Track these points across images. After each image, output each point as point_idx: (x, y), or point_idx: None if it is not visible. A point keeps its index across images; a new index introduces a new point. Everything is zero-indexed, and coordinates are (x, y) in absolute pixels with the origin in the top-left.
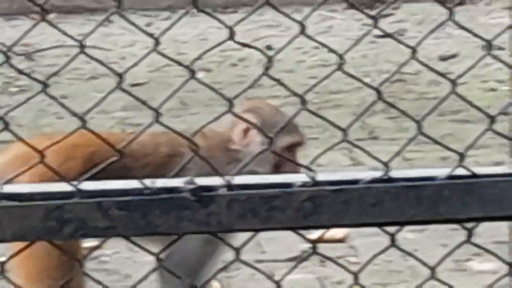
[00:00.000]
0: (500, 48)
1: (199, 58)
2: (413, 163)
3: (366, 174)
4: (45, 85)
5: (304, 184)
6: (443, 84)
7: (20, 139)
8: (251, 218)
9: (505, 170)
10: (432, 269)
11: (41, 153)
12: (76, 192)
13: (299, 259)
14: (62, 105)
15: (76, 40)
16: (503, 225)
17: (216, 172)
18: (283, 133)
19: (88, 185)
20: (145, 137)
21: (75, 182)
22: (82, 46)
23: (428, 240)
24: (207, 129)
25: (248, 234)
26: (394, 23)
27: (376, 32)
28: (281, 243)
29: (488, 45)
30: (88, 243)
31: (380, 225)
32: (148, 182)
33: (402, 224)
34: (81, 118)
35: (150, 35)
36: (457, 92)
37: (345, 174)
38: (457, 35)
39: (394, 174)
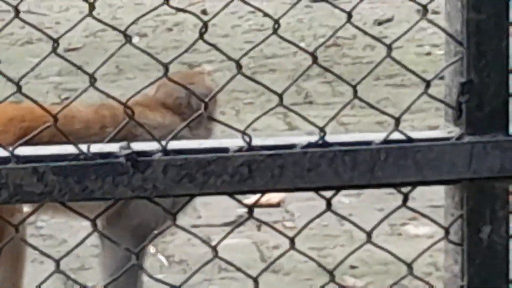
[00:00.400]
0: (435, 12)
1: (134, 22)
2: (349, 127)
3: (301, 139)
4: None
5: (239, 149)
6: (379, 48)
7: None
8: (187, 183)
9: (440, 134)
10: (368, 233)
11: None
12: (12, 157)
13: (235, 224)
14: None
15: (10, 5)
16: (439, 189)
17: (154, 138)
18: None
19: (24, 150)
20: (89, 115)
21: (10, 148)
22: (17, 11)
23: (364, 204)
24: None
25: (183, 199)
26: None
27: None
28: (217, 208)
29: (424, 9)
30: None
31: (316, 189)
32: (84, 147)
33: (338, 188)
34: (16, 84)
35: (86, 0)
36: (392, 56)
37: (280, 139)
38: None
39: (330, 138)
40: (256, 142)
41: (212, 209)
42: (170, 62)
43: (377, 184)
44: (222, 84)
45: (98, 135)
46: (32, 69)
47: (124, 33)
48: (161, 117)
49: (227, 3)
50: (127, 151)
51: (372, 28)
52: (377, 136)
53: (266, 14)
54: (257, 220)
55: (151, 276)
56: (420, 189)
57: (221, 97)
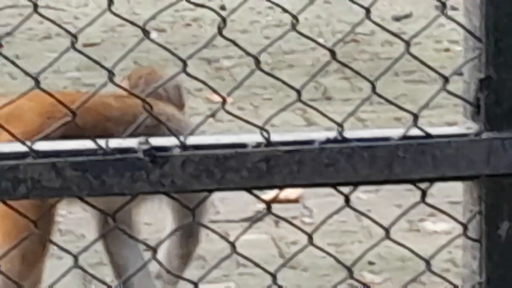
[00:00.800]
0: (454, 9)
1: (153, 18)
2: (367, 123)
3: (320, 134)
4: None
5: (258, 145)
6: (397, 44)
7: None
8: (205, 178)
9: (458, 130)
10: (386, 229)
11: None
12: (30, 152)
13: (253, 220)
14: (16, 65)
15: (29, 0)
16: (457, 185)
17: (173, 134)
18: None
19: (42, 145)
20: (122, 103)
21: (29, 142)
22: (35, 6)
23: (382, 200)
24: None
25: (201, 194)
26: None
27: None
28: (235, 203)
29: (442, 5)
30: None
31: (334, 185)
32: (102, 142)
33: (356, 184)
34: (35, 79)
35: None
36: (411, 52)
37: (299, 135)
38: None
39: (348, 134)
40: (274, 137)
41: (230, 204)
42: (189, 57)
43: (395, 180)
44: (240, 79)
45: (132, 122)
46: (51, 64)
47: (142, 28)
48: (170, 109)
49: None
50: (145, 147)
51: (391, 24)
52: (396, 132)
53: (284, 10)
54: (275, 216)
55: (169, 271)
56: (438, 185)
57: (239, 92)
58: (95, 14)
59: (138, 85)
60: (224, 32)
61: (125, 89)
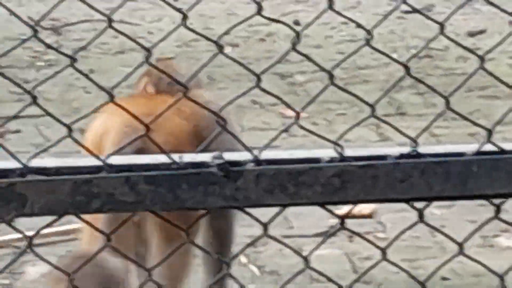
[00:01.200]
0: None
1: (227, 32)
2: (441, 139)
3: (394, 149)
4: (73, 59)
5: (332, 160)
6: (471, 59)
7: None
8: (278, 193)
9: None
10: (460, 245)
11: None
12: (104, 166)
13: (326, 235)
14: (90, 79)
15: (104, 14)
16: None
17: (246, 148)
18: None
19: (116, 160)
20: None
21: (103, 157)
22: (110, 21)
23: (456, 216)
24: None
25: (275, 209)
26: None
27: (404, 7)
28: (309, 218)
29: None
30: None
31: (407, 200)
32: (176, 156)
33: (429, 199)
34: (109, 93)
35: (178, 9)
36: (485, 67)
37: (373, 150)
38: (485, 11)
39: (422, 150)
40: (348, 152)
41: (304, 219)
42: (263, 72)
43: (469, 195)
44: (314, 94)
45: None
46: (125, 78)
47: (216, 43)
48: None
49: (320, 13)
50: (219, 161)
51: (465, 40)
52: (470, 148)
53: (358, 25)
54: (349, 230)
55: (243, 286)
56: None
57: (313, 107)
58: (169, 29)
59: (162, 79)
60: (298, 47)
61: (197, 103)
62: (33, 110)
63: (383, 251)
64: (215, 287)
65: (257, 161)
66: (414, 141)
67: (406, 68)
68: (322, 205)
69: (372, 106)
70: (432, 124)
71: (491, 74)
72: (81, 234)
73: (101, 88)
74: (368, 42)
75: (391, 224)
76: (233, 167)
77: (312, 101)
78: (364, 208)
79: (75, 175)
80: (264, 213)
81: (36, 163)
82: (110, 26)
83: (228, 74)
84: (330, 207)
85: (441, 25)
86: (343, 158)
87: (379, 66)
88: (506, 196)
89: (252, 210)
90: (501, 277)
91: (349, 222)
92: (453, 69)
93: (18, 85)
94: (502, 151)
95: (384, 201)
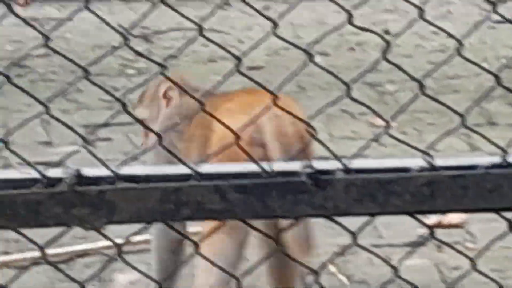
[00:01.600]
0: None
1: (317, 41)
2: None
3: (484, 159)
4: (163, 67)
5: (421, 169)
6: None
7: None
8: (367, 202)
9: None
10: None
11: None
12: (194, 174)
13: (416, 244)
14: (181, 87)
15: (195, 22)
16: None
17: (336, 158)
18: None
19: (206, 168)
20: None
21: (193, 165)
22: (200, 29)
23: None
24: None
25: (363, 219)
26: None
27: (495, 17)
28: (398, 227)
29: None
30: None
31: (497, 210)
32: (266, 165)
33: None
34: (199, 101)
35: (268, 18)
36: None
37: (462, 160)
38: None
39: None
40: (437, 162)
41: (393, 228)
42: (353, 81)
43: None
44: (404, 104)
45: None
46: (215, 87)
47: (306, 51)
48: None
49: (411, 23)
50: (309, 170)
51: None
52: None
53: (449, 35)
54: (438, 240)
55: None
56: None
57: (403, 117)
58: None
59: (187, 85)
60: (388, 56)
61: (288, 112)
62: (123, 117)
63: (473, 261)
64: None
65: (347, 170)
66: (504, 151)
67: (497, 78)
68: (411, 214)
69: (462, 116)
70: None
71: None
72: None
73: (192, 97)
74: (458, 52)
75: (480, 234)
76: (322, 176)
77: (401, 110)
78: (453, 217)
79: (164, 183)
80: (351, 222)
81: (125, 170)
82: (201, 35)
83: (318, 83)
84: (419, 216)
85: None
86: (432, 168)
87: (469, 76)
88: None
89: (340, 219)
90: None
91: (438, 232)
92: None
93: (108, 93)
94: None
95: (474, 211)
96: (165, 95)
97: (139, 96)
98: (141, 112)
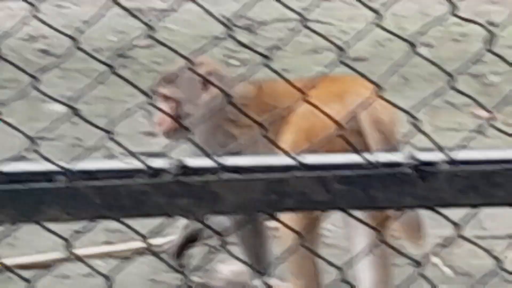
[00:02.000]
0: None
1: (421, 32)
2: None
3: None
4: (267, 58)
5: None
6: None
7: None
8: (471, 193)
9: None
10: None
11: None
12: (298, 165)
13: None
14: (283, 78)
15: (299, 14)
16: None
17: (440, 149)
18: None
19: (309, 159)
20: None
21: (297, 156)
22: (304, 20)
23: None
24: None
25: (464, 211)
26: None
27: None
28: (502, 219)
29: None
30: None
31: None
32: (370, 157)
33: None
34: (302, 91)
35: (373, 9)
36: None
37: None
38: None
39: None
40: None
41: (496, 220)
42: (457, 72)
43: None
44: (508, 95)
45: None
46: (320, 77)
47: (411, 42)
48: None
49: None
50: (414, 162)
51: None
52: None
53: None
54: None
55: (435, 287)
56: None
57: (507, 108)
58: (363, 29)
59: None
60: (492, 48)
61: (390, 102)
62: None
63: None
64: None
65: (451, 161)
66: None
67: None
68: None
69: None
70: None
71: None
72: (279, 233)
73: (294, 86)
74: None
75: None
76: (426, 167)
77: (506, 101)
78: None
79: (268, 174)
80: (453, 214)
81: (230, 161)
82: (305, 26)
83: (422, 74)
84: None
85: None
86: None
87: None
88: None
89: (443, 211)
90: None
91: None
92: None
93: (213, 84)
94: None
95: None
96: (204, 79)
97: (165, 76)
98: (173, 92)
